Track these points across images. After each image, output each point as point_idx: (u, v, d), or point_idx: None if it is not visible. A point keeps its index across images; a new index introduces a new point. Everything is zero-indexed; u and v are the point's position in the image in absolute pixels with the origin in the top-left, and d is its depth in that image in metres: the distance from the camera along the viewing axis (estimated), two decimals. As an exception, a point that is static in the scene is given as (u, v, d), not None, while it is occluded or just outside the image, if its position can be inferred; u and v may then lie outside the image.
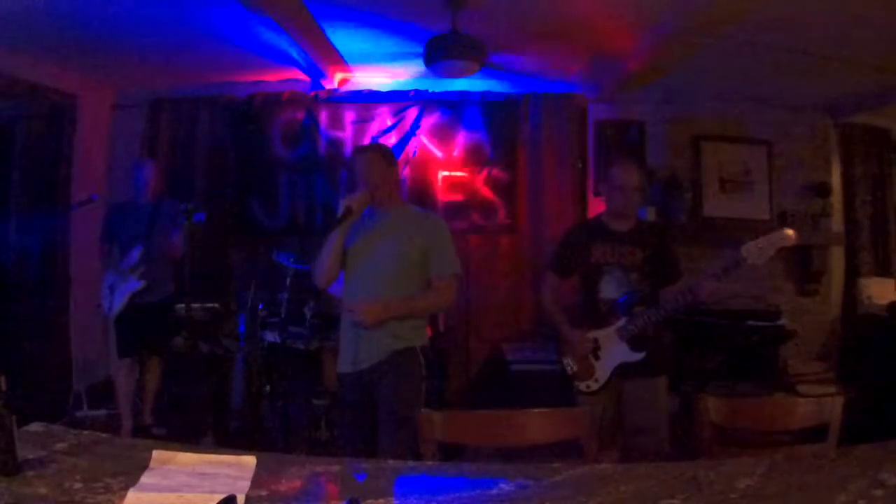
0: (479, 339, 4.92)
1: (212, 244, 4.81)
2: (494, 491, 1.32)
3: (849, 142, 5.20)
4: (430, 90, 4.95)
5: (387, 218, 2.57)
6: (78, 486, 1.25)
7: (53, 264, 4.53)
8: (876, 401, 3.92)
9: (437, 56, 3.68)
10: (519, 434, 1.82)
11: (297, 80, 4.93)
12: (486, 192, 4.97)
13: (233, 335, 4.12)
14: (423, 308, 2.61)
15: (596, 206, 4.93)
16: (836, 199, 5.15)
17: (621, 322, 2.69)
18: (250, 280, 4.11)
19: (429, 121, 4.98)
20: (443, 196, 4.97)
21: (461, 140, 4.98)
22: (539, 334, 4.74)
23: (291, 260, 3.89)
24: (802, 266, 5.03)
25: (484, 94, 4.96)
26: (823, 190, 5.03)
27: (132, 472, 1.32)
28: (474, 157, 4.97)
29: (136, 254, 3.82)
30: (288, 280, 3.87)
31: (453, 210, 4.92)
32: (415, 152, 4.96)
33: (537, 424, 1.82)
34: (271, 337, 3.81)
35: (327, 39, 4.06)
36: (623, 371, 2.70)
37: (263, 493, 1.28)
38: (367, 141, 4.88)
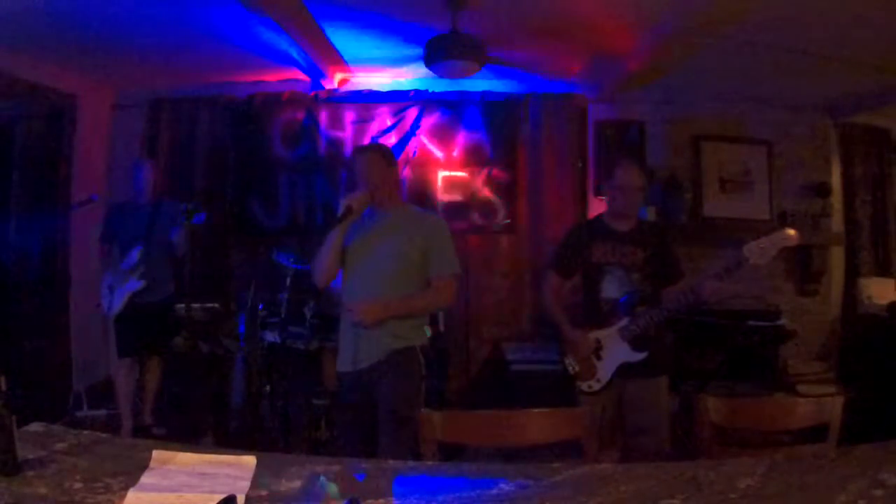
0: (479, 339, 4.92)
1: (212, 244, 4.81)
2: (494, 491, 1.32)
3: (849, 142, 5.20)
4: (430, 90, 4.95)
5: (386, 218, 2.57)
6: (78, 486, 1.25)
7: (53, 264, 4.53)
8: (876, 401, 3.91)
9: (437, 56, 3.68)
10: (519, 434, 1.82)
11: (297, 80, 4.92)
12: (486, 192, 4.97)
13: (233, 335, 4.12)
14: (423, 307, 2.62)
15: (596, 206, 4.94)
16: (836, 199, 5.15)
17: (623, 322, 2.69)
18: (250, 280, 4.12)
19: (429, 121, 4.98)
20: (443, 196, 4.97)
21: (461, 140, 4.97)
22: (539, 334, 4.74)
23: (291, 260, 3.89)
24: (802, 266, 5.03)
25: (484, 94, 4.96)
26: (823, 190, 5.03)
27: (132, 472, 1.32)
28: (474, 157, 4.97)
29: (135, 254, 3.82)
30: (288, 280, 3.87)
31: (453, 210, 4.92)
32: (415, 152, 4.96)
33: (537, 424, 1.82)
34: (271, 337, 3.80)
35: (327, 39, 4.06)
36: (624, 371, 2.70)
37: (263, 493, 1.28)
38: (367, 141, 4.88)
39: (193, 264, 3.63)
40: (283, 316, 3.82)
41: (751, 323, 4.37)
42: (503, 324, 4.94)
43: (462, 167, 4.97)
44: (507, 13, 3.59)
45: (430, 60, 3.73)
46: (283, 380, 3.91)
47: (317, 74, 4.71)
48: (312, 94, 4.97)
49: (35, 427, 1.59)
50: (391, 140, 4.88)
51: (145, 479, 1.30)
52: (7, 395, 1.32)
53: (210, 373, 4.13)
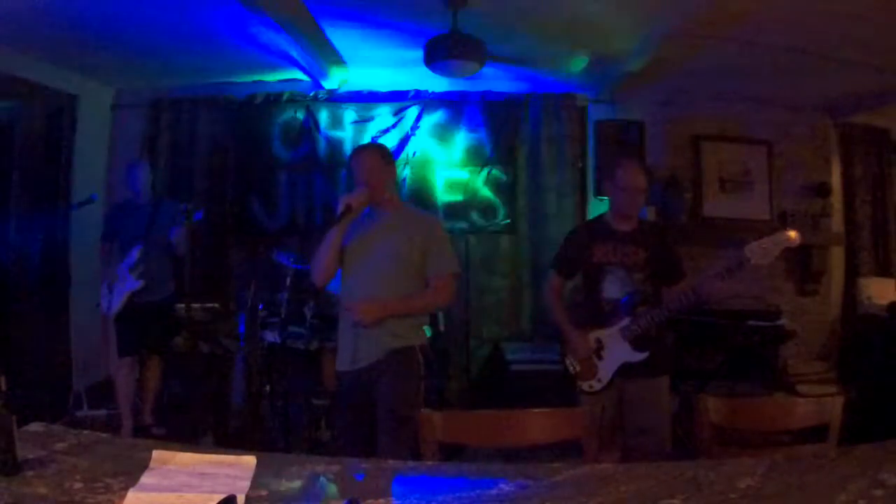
0: (479, 339, 4.92)
1: (212, 244, 4.81)
2: (494, 491, 1.32)
3: (849, 142, 5.20)
4: (430, 90, 4.95)
5: (385, 217, 2.58)
6: (78, 486, 1.25)
7: (53, 264, 4.52)
8: (876, 401, 3.91)
9: (437, 56, 3.67)
10: (519, 434, 1.82)
11: (297, 80, 4.93)
12: (486, 192, 4.97)
13: (233, 335, 4.12)
14: (422, 307, 2.62)
15: (596, 206, 4.94)
16: (836, 199, 5.15)
17: (624, 322, 2.69)
18: (250, 280, 4.11)
19: (429, 121, 4.98)
20: (443, 196, 4.97)
21: (461, 140, 4.98)
22: (539, 334, 4.75)
23: (291, 260, 3.89)
24: (802, 266, 5.03)
25: (484, 94, 4.97)
26: (823, 190, 5.03)
27: (132, 472, 1.32)
28: (474, 157, 4.98)
29: (135, 253, 3.82)
30: (288, 280, 3.87)
31: (453, 210, 4.93)
32: (415, 152, 4.96)
33: (537, 424, 1.82)
34: (271, 337, 3.81)
35: (327, 39, 4.06)
36: (625, 371, 2.70)
37: (263, 493, 1.28)
38: (366, 141, 4.88)
39: (193, 264, 3.63)
40: (283, 316, 3.82)
41: (751, 323, 4.37)
42: (503, 324, 4.94)
43: (462, 167, 4.98)
44: (507, 13, 3.59)
45: (430, 60, 3.73)
46: (283, 380, 3.91)
47: (317, 74, 4.71)
48: (312, 94, 4.98)
49: (35, 427, 1.58)
50: (391, 140, 4.89)
51: (145, 479, 1.29)
52: (7, 395, 1.32)
53: (210, 373, 4.12)
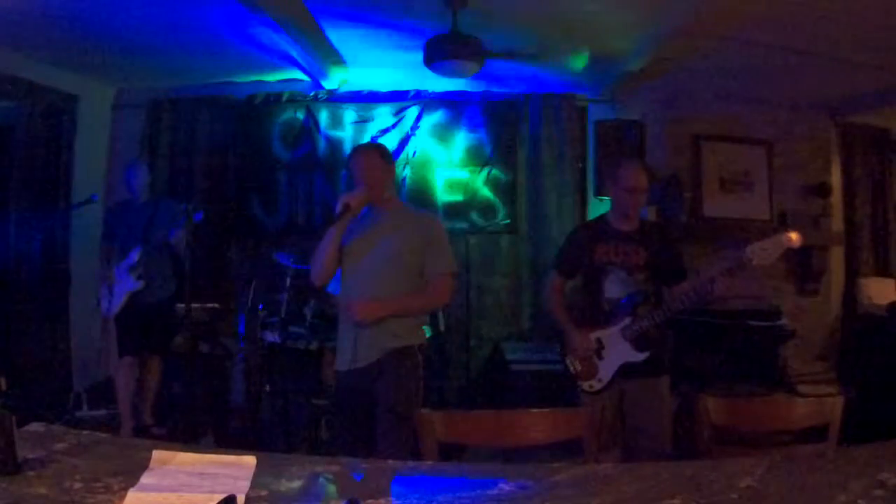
0: (479, 339, 4.92)
1: (212, 244, 4.81)
2: (494, 491, 1.32)
3: (849, 142, 5.19)
4: (430, 90, 4.95)
5: (384, 217, 2.58)
6: (78, 486, 1.25)
7: (53, 264, 4.52)
8: (876, 401, 3.91)
9: (437, 56, 3.67)
10: (519, 434, 1.82)
11: (297, 80, 4.93)
12: (486, 192, 4.97)
13: (233, 335, 4.12)
14: (420, 306, 2.62)
15: (596, 206, 4.94)
16: (836, 199, 5.14)
17: (625, 322, 2.69)
18: (250, 280, 4.12)
19: (429, 121, 4.98)
20: (443, 196, 4.97)
21: (461, 140, 4.98)
22: (539, 334, 4.74)
23: (291, 260, 3.89)
24: (802, 266, 5.02)
25: (484, 94, 4.96)
26: (823, 190, 5.03)
27: (132, 472, 1.31)
28: (474, 157, 4.98)
29: (135, 254, 3.82)
30: (288, 280, 3.87)
31: (453, 210, 4.93)
32: (415, 152, 4.96)
33: (537, 424, 1.82)
34: (271, 337, 3.80)
35: (327, 39, 4.06)
36: (625, 371, 2.70)
37: (263, 493, 1.28)
38: (366, 141, 4.88)
39: (193, 264, 3.62)
40: (283, 316, 3.82)
41: (751, 323, 4.37)
42: (503, 324, 4.94)
43: (462, 167, 4.98)
44: (508, 13, 3.59)
45: (429, 60, 3.73)
46: (283, 380, 3.91)
47: (317, 74, 4.71)
48: (312, 94, 4.98)
49: (35, 427, 1.58)
50: (391, 140, 4.89)
51: (145, 479, 1.29)
52: (7, 395, 1.32)
53: (210, 373, 4.13)
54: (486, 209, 4.97)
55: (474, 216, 4.97)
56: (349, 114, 5.01)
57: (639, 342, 2.68)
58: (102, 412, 4.32)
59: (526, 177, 4.99)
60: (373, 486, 1.39)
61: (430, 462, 1.69)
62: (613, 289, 2.75)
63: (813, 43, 3.66)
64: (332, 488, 1.41)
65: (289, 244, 4.47)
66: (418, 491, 1.35)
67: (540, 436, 1.81)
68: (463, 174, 4.98)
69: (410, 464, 1.67)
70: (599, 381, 2.74)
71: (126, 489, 1.23)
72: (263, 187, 5.00)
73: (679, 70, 4.24)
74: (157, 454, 1.41)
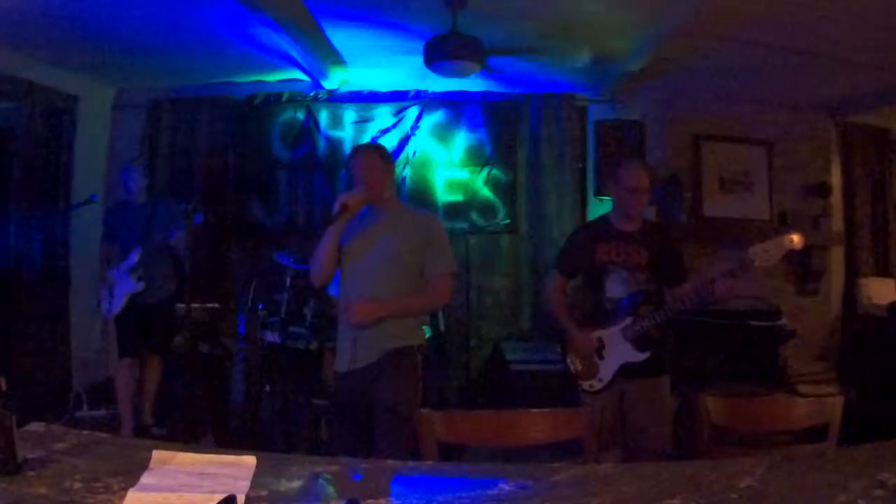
0: (479, 339, 4.92)
1: (212, 244, 4.81)
2: (494, 491, 1.32)
3: (849, 142, 5.19)
4: (430, 90, 4.95)
5: (383, 217, 2.58)
6: (78, 486, 1.25)
7: (53, 264, 4.53)
8: (876, 401, 3.91)
9: (437, 56, 3.67)
10: (519, 434, 1.82)
11: (297, 80, 4.92)
12: (486, 192, 4.97)
13: (233, 335, 4.12)
14: (419, 306, 2.62)
15: (596, 206, 4.94)
16: (836, 199, 5.14)
17: (626, 322, 2.69)
18: (250, 280, 4.12)
19: (429, 121, 4.98)
20: (443, 196, 4.97)
21: (461, 140, 4.98)
22: (539, 334, 4.75)
23: (291, 260, 3.89)
24: (802, 266, 5.03)
25: (484, 94, 4.96)
26: (823, 190, 5.03)
27: (132, 472, 1.31)
28: (474, 157, 4.98)
29: (135, 255, 3.82)
30: (288, 280, 3.87)
31: (453, 210, 4.93)
32: (415, 152, 4.96)
33: (537, 424, 1.82)
34: (271, 337, 3.81)
35: (327, 39, 4.06)
36: (626, 371, 2.70)
37: (263, 493, 1.28)
38: (366, 141, 4.88)
39: (193, 264, 3.62)
40: (283, 316, 3.82)
41: (751, 323, 4.37)
42: (503, 324, 4.94)
43: (462, 167, 4.98)
44: (508, 13, 3.59)
45: (429, 60, 3.73)
46: (283, 380, 3.91)
47: (317, 74, 4.71)
48: (312, 94, 4.98)
49: (35, 427, 1.58)
50: (391, 140, 4.88)
51: (145, 479, 1.29)
52: (7, 395, 1.32)
53: (210, 373, 4.12)
54: (486, 209, 4.97)
55: (474, 216, 4.97)
56: (349, 114, 5.01)
57: (639, 342, 2.68)
58: (102, 412, 4.32)
59: (526, 177, 4.99)
60: (373, 486, 1.39)
61: (430, 462, 1.69)
62: (615, 288, 2.75)
63: (813, 43, 3.66)
64: (331, 488, 1.41)
65: (289, 244, 4.47)
66: (418, 491, 1.35)
67: (540, 436, 1.81)
68: (463, 174, 4.98)
69: (410, 464, 1.67)
70: (600, 380, 2.74)
71: (126, 489, 1.23)
72: (263, 187, 5.00)
73: (679, 70, 4.25)
74: (157, 454, 1.41)
